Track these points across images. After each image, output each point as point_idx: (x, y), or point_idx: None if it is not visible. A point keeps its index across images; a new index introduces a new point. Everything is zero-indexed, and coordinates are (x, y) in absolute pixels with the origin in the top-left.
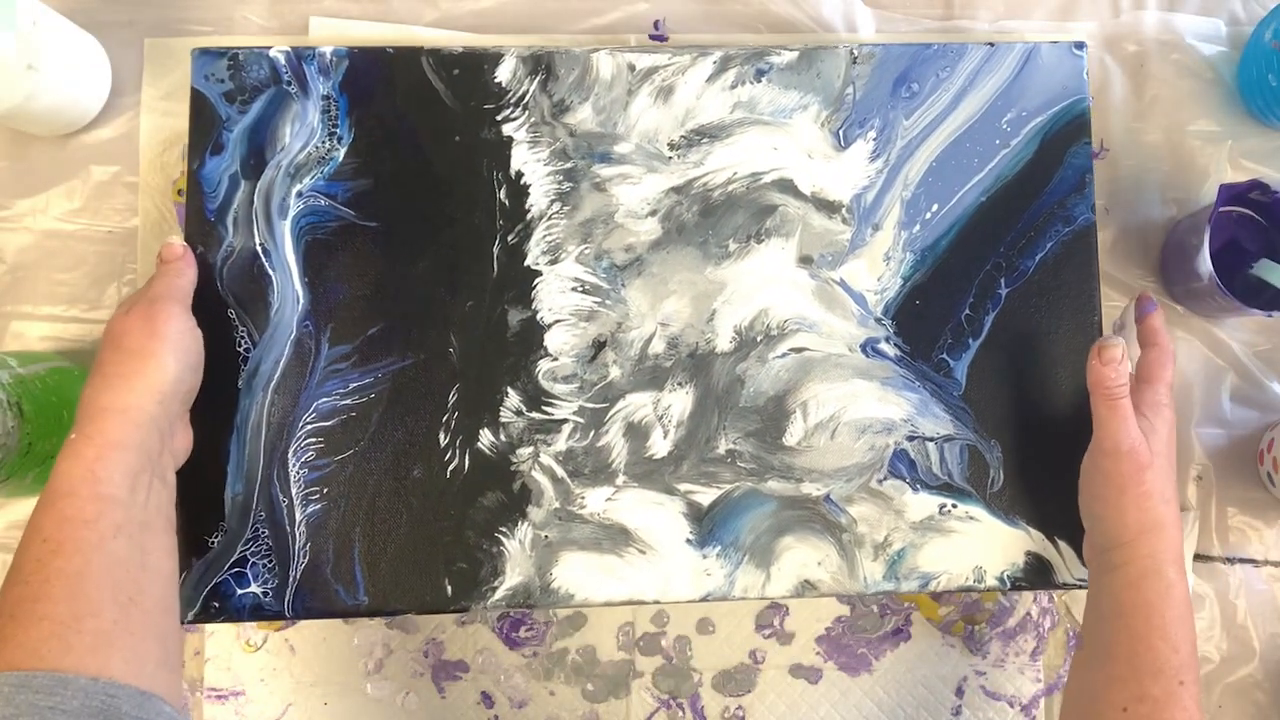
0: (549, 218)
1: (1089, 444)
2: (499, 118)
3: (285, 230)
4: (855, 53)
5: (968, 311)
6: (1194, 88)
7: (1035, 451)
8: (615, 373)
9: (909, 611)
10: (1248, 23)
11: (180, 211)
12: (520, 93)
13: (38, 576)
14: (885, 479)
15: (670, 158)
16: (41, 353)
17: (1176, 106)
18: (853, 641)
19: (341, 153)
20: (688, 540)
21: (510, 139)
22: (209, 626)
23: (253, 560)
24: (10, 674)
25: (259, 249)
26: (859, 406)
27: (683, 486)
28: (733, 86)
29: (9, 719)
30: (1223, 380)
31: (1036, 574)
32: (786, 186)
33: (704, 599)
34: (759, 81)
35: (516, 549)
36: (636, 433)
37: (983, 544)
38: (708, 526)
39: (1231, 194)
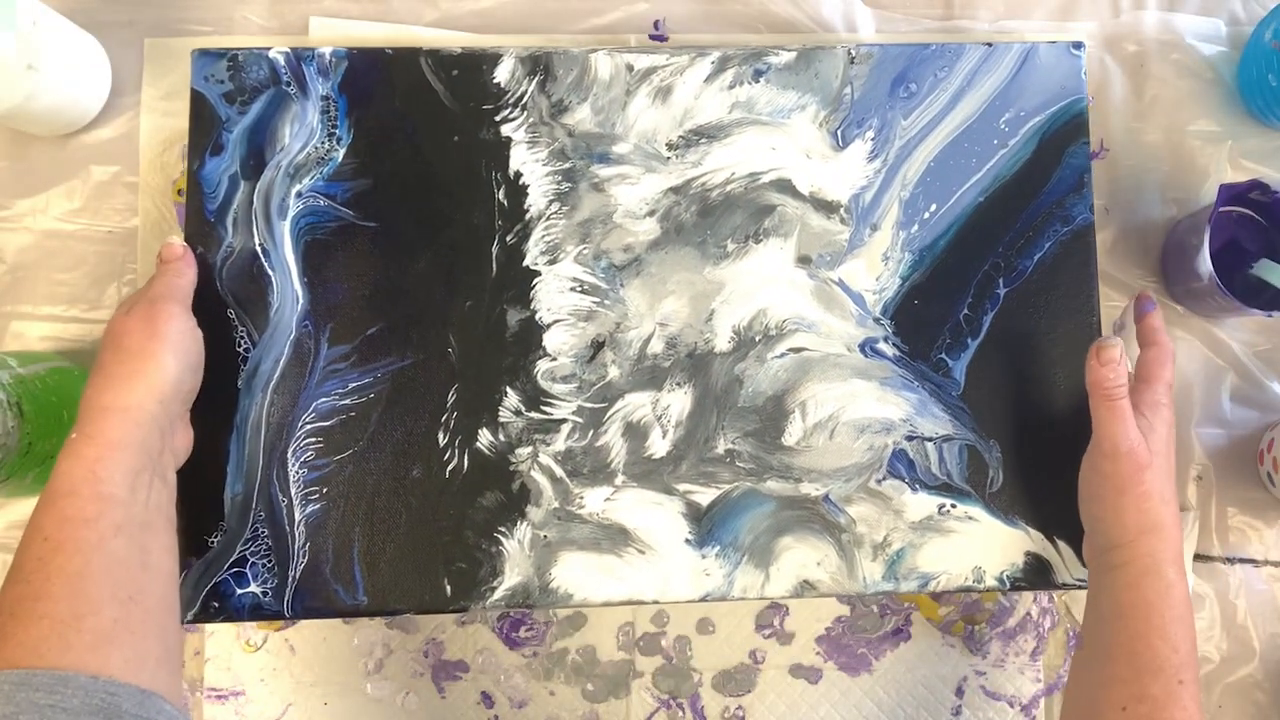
0: (547, 218)
1: (1088, 444)
2: (498, 118)
3: (285, 230)
4: (853, 53)
5: (966, 311)
6: (1194, 88)
7: (1034, 451)
8: (614, 373)
9: (909, 611)
10: (1248, 23)
11: (180, 211)
12: (519, 93)
13: (38, 575)
14: (884, 479)
15: (668, 158)
16: (41, 353)
17: (1176, 106)
18: (853, 641)
19: (341, 153)
20: (687, 540)
21: (509, 139)
22: (209, 626)
23: (252, 560)
24: (11, 672)
25: (258, 249)
26: (858, 406)
27: (681, 486)
28: (731, 87)
29: (9, 717)
30: (1223, 380)
31: (1036, 574)
32: (785, 186)
33: (703, 599)
34: (757, 82)
35: (515, 549)
36: (635, 433)
37: (982, 544)
38: (706, 526)
39: (1231, 194)
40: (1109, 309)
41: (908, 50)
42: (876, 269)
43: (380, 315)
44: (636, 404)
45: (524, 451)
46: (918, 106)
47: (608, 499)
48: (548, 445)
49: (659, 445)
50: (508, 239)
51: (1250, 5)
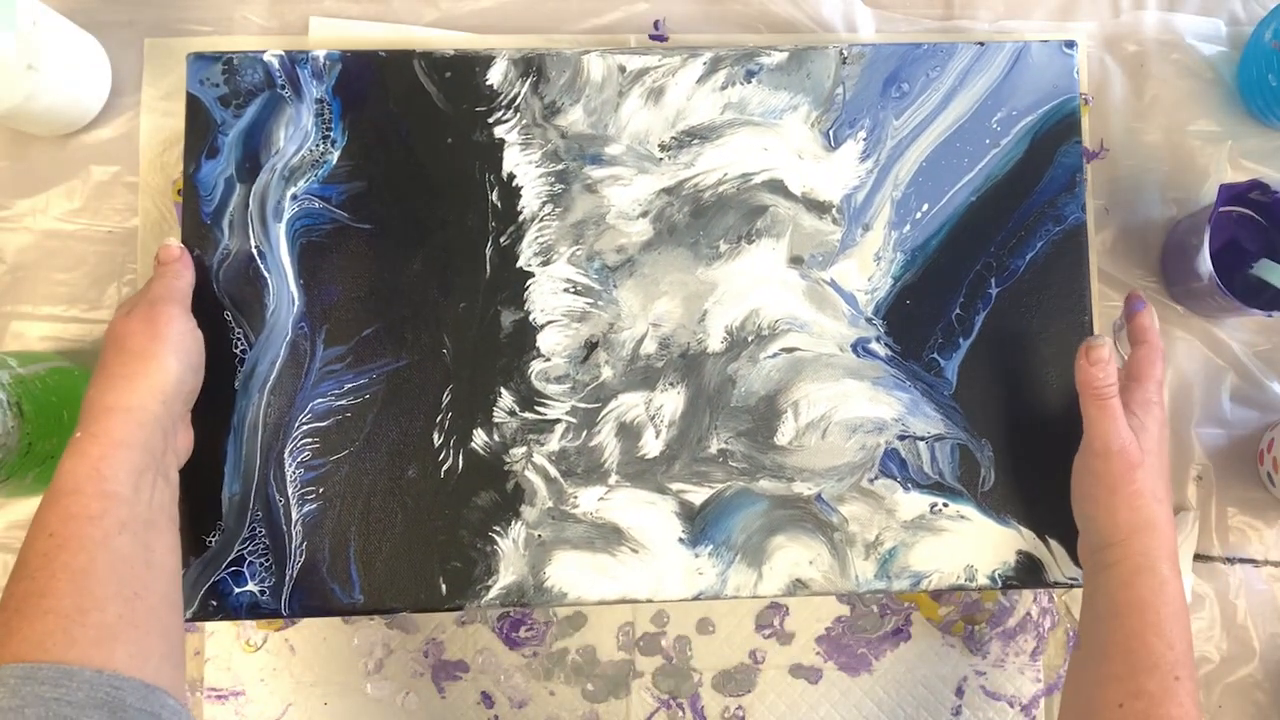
0: (541, 219)
1: (1080, 444)
2: (491, 120)
3: (280, 233)
4: (845, 53)
5: (958, 311)
6: (1194, 88)
7: (1026, 450)
8: (607, 373)
9: (909, 611)
10: (1248, 23)
11: (180, 212)
12: (512, 95)
13: (43, 572)
14: (876, 478)
15: (661, 159)
16: (41, 353)
17: (1176, 106)
18: (853, 641)
19: (335, 156)
20: (680, 539)
21: (502, 141)
22: (209, 626)
23: (250, 559)
24: (16, 665)
25: (254, 251)
26: (850, 406)
27: (675, 486)
28: (723, 87)
29: (14, 710)
30: (1223, 380)
31: (1028, 573)
32: (777, 187)
33: (696, 598)
34: (749, 82)
35: (510, 548)
36: (629, 433)
37: (974, 543)
38: (700, 526)
39: (1231, 194)
40: (1109, 309)
41: (900, 50)
42: (868, 269)
43: (375, 317)
44: (630, 404)
45: (518, 451)
46: (910, 106)
47: (601, 498)
48: (542, 445)
49: (652, 445)
50: (501, 240)
51: (1250, 5)
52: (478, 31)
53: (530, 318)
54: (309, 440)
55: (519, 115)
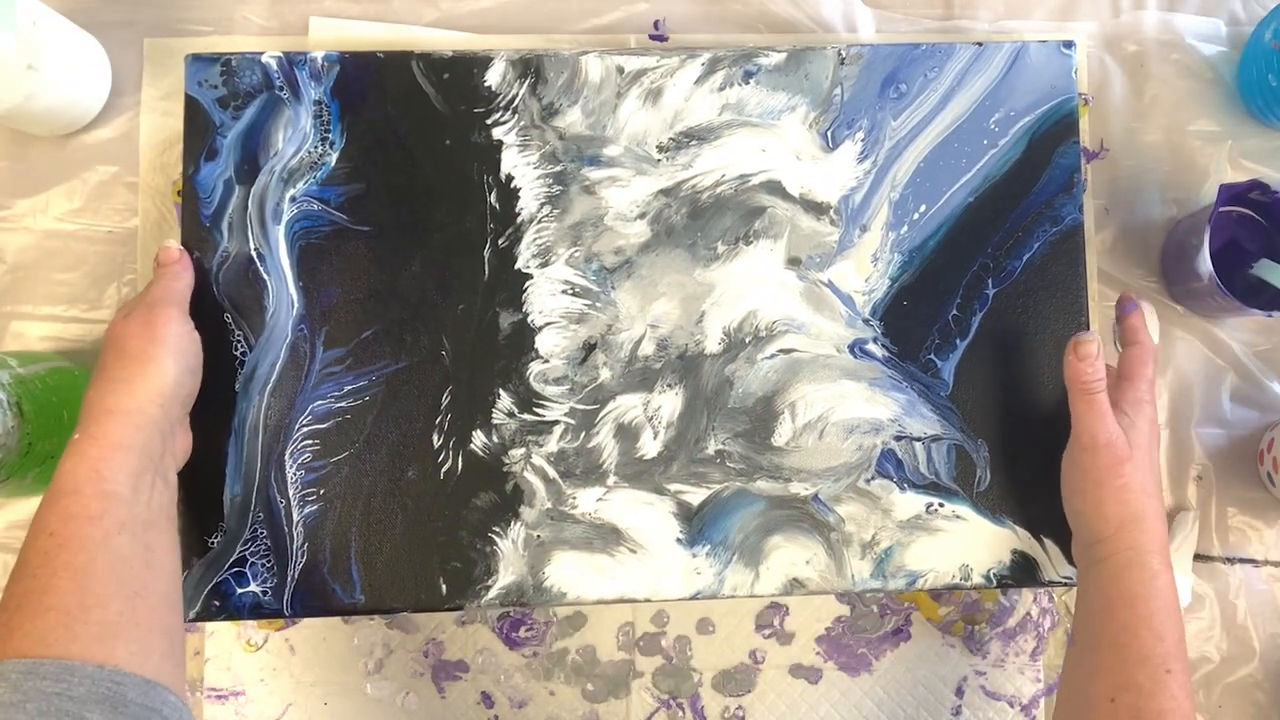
0: (539, 221)
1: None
2: (489, 121)
3: (279, 235)
4: (843, 53)
5: (955, 312)
6: (1194, 88)
7: (1022, 451)
8: (605, 374)
9: (909, 611)
10: (1248, 23)
11: (180, 212)
12: (510, 96)
13: (44, 570)
14: (873, 478)
15: (659, 160)
16: (41, 353)
17: (1176, 106)
18: (853, 641)
19: (334, 157)
20: (678, 539)
21: (500, 142)
22: (209, 626)
23: (252, 560)
24: (18, 661)
25: (254, 254)
26: (847, 407)
27: (673, 486)
28: (721, 88)
29: (16, 704)
30: (1223, 380)
31: (1023, 572)
32: (774, 188)
33: (694, 597)
34: (747, 83)
35: (509, 548)
36: (627, 434)
37: (969, 542)
38: (697, 526)
39: (1231, 194)
40: (1109, 309)
41: (898, 50)
42: (866, 270)
43: (374, 319)
44: (628, 405)
45: (517, 453)
46: (908, 107)
47: (600, 499)
48: (540, 446)
49: (650, 446)
50: (499, 242)
51: (1250, 5)
52: (478, 32)
53: (529, 319)
54: (309, 442)
55: (517, 117)
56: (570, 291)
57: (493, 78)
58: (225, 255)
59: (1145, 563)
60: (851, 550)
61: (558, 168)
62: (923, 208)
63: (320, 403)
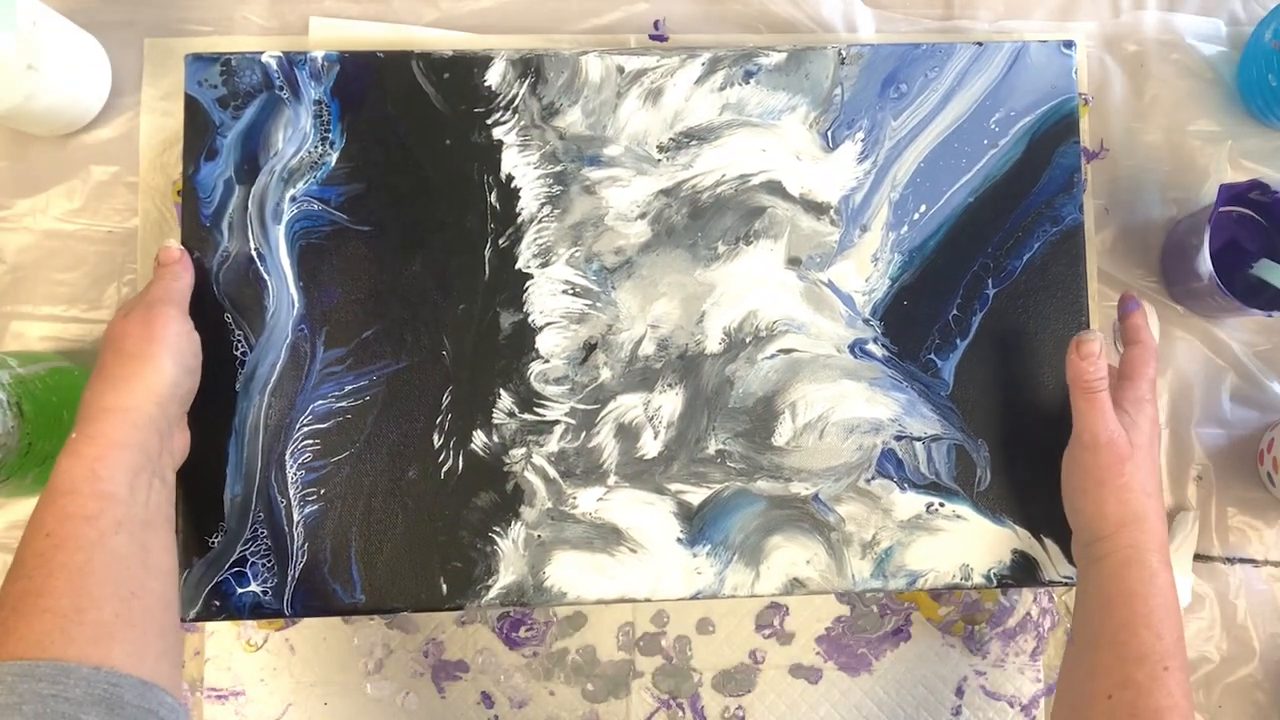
0: (539, 221)
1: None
2: (489, 121)
3: (279, 235)
4: (843, 53)
5: (955, 312)
6: (1194, 88)
7: (1022, 451)
8: (606, 374)
9: (909, 611)
10: (1248, 23)
11: (180, 212)
12: (510, 96)
13: (40, 571)
14: (873, 478)
15: (659, 160)
16: (41, 353)
17: (1176, 106)
18: (853, 641)
19: (334, 157)
20: (678, 539)
21: (500, 142)
22: (209, 626)
23: (252, 560)
24: (13, 663)
25: (254, 253)
26: (847, 407)
27: (673, 486)
28: (721, 88)
29: (12, 707)
30: (1223, 380)
31: (1023, 572)
32: (775, 188)
33: (694, 597)
34: (747, 83)
35: (510, 548)
36: (627, 433)
37: (970, 542)
38: (698, 526)
39: (1231, 194)
40: (1109, 309)
41: (898, 50)
42: (866, 270)
43: (375, 319)
44: (628, 405)
45: (518, 453)
46: (908, 107)
47: (600, 499)
48: (541, 446)
49: (651, 446)
50: (500, 242)
51: (1250, 5)
52: (478, 32)
53: (529, 319)
54: (310, 442)
55: (517, 116)
56: (571, 291)
57: (493, 77)
58: (225, 255)
59: (1144, 561)
60: (852, 550)
61: (558, 167)
62: (923, 208)
63: (321, 402)
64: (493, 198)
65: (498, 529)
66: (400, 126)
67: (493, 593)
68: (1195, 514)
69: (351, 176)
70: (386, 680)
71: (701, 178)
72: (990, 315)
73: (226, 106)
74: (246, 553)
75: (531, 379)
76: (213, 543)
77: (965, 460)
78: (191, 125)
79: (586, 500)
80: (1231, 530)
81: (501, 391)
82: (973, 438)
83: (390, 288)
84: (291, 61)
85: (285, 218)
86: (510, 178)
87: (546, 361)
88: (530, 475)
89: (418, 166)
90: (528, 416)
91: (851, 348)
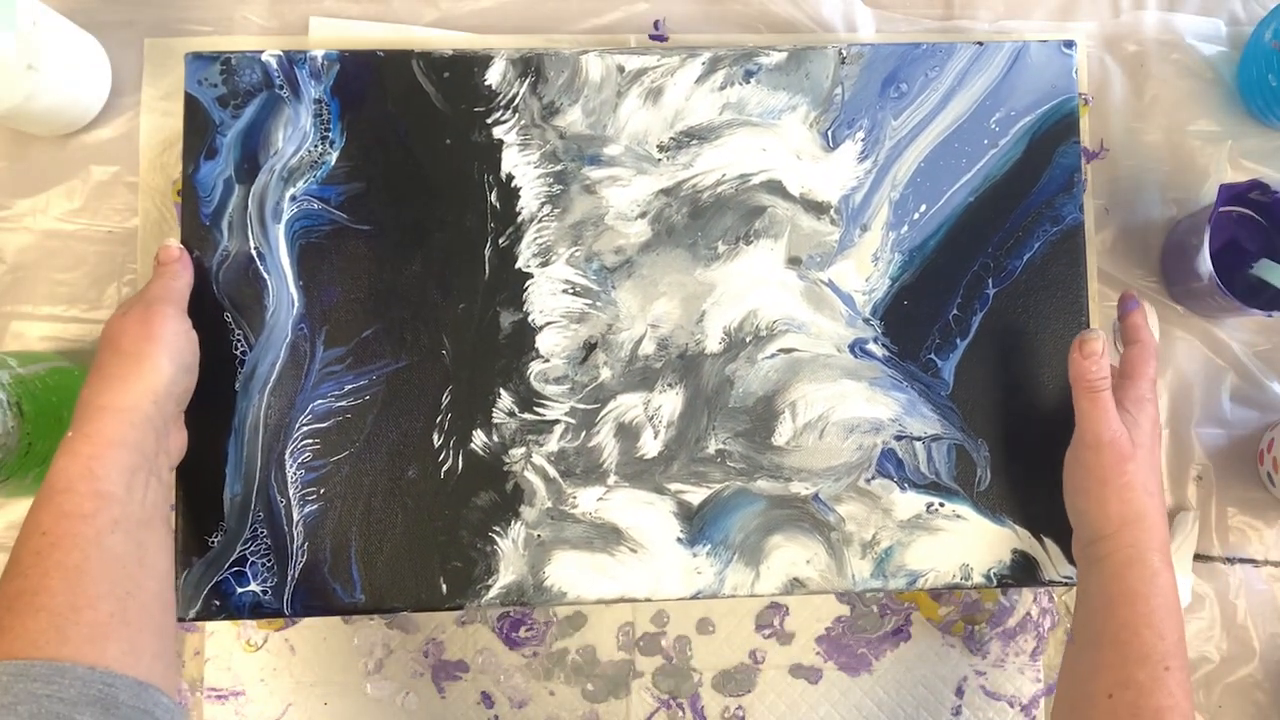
0: (539, 220)
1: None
2: (489, 120)
3: (279, 234)
4: (844, 53)
5: (955, 312)
6: (1194, 88)
7: (1022, 450)
8: (606, 374)
9: (909, 611)
10: (1248, 23)
11: (180, 212)
12: (510, 95)
13: (36, 570)
14: (873, 478)
15: (659, 159)
16: (41, 353)
17: (1176, 106)
18: (853, 641)
19: (334, 156)
20: (678, 539)
21: (500, 142)
22: (209, 626)
23: (252, 559)
24: (8, 663)
25: (254, 253)
26: (847, 406)
27: (673, 486)
28: (721, 88)
29: (7, 707)
30: (1223, 380)
31: (1023, 571)
32: (775, 188)
33: (694, 597)
34: (748, 82)
35: (510, 548)
36: (627, 433)
37: (970, 542)
38: (698, 525)
39: (1231, 194)
40: (1109, 309)
41: (898, 50)
42: (866, 270)
43: (375, 318)
44: (628, 405)
45: (517, 452)
46: (908, 106)
47: (600, 499)
48: (541, 446)
49: (651, 445)
50: (500, 241)
51: (1250, 5)
52: (478, 32)
53: (529, 319)
54: (309, 441)
55: (517, 116)
56: (571, 291)
57: (493, 77)
58: (225, 254)
59: (1146, 560)
60: (852, 550)
61: (558, 167)
62: (923, 207)
63: (320, 402)
64: (493, 197)
65: (497, 529)
66: (400, 125)
67: (492, 592)
68: (1195, 514)
69: (351, 176)
70: (386, 680)
71: (702, 177)
72: (990, 315)
73: (226, 105)
74: (246, 552)
75: (531, 378)
76: (212, 542)
77: (965, 460)
78: (191, 124)
79: (586, 500)
80: (1231, 530)
81: (501, 391)
82: (973, 437)
83: (390, 287)
84: (291, 60)
85: (285, 217)
86: (510, 177)
87: (546, 361)
88: (530, 475)
89: (418, 166)
90: (528, 416)
91: (852, 347)
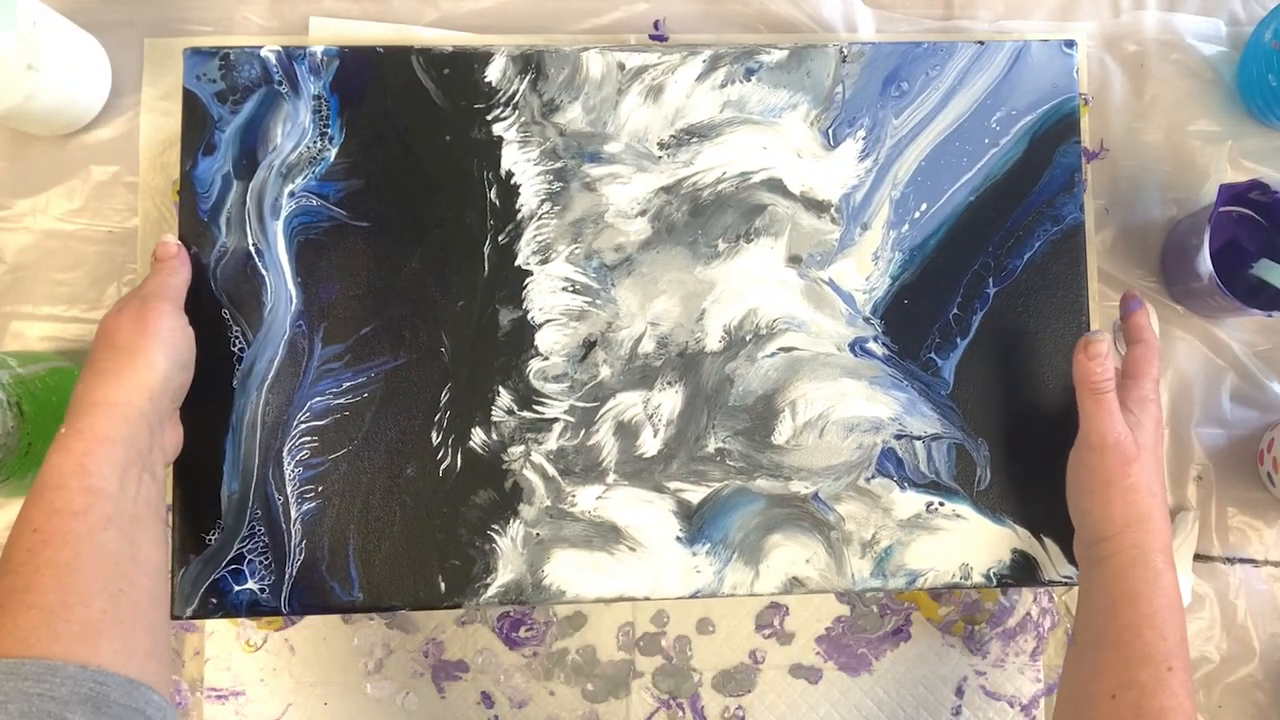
0: (539, 217)
1: (1075, 439)
2: (489, 117)
3: (278, 230)
4: (845, 51)
5: (956, 311)
6: (1194, 88)
7: (1022, 450)
8: (605, 372)
9: (909, 611)
10: (1248, 23)
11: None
12: (510, 92)
13: (27, 567)
14: (873, 477)
15: (660, 157)
16: (41, 353)
17: (1176, 106)
18: (853, 641)
19: (333, 153)
20: (677, 538)
21: (500, 138)
22: (209, 627)
23: (249, 557)
24: None
25: (252, 249)
26: (847, 405)
27: (672, 485)
28: (722, 85)
29: None
30: (1223, 380)
31: (1023, 571)
32: (775, 186)
33: (693, 596)
34: (748, 80)
35: (508, 546)
36: (627, 431)
37: (969, 541)
38: (697, 524)
39: (1231, 194)
40: (1108, 309)
41: (899, 49)
42: (867, 268)
43: (373, 315)
44: (628, 403)
45: (516, 450)
46: (909, 105)
47: (599, 497)
48: (540, 444)
49: (650, 444)
50: (500, 238)
51: (1250, 5)
52: (477, 32)
53: (528, 316)
54: (307, 439)
55: (517, 112)
56: (570, 288)
57: (493, 73)
58: (223, 250)
59: (1149, 561)
60: (851, 549)
61: (558, 164)
62: (924, 206)
63: (319, 399)
64: (492, 194)
65: (496, 527)
66: (400, 122)
67: (491, 591)
68: (1195, 514)
69: (350, 172)
70: (386, 680)
71: (702, 175)
72: (991, 314)
73: (225, 101)
74: (244, 550)
75: (531, 376)
76: (210, 540)
77: (965, 459)
78: (190, 120)
79: (585, 498)
80: (1231, 530)
81: (500, 389)
82: (973, 437)
83: (389, 284)
84: (291, 56)
85: (284, 213)
86: (510, 174)
87: (546, 359)
88: (529, 473)
89: (417, 162)
90: (527, 414)
91: (852, 346)
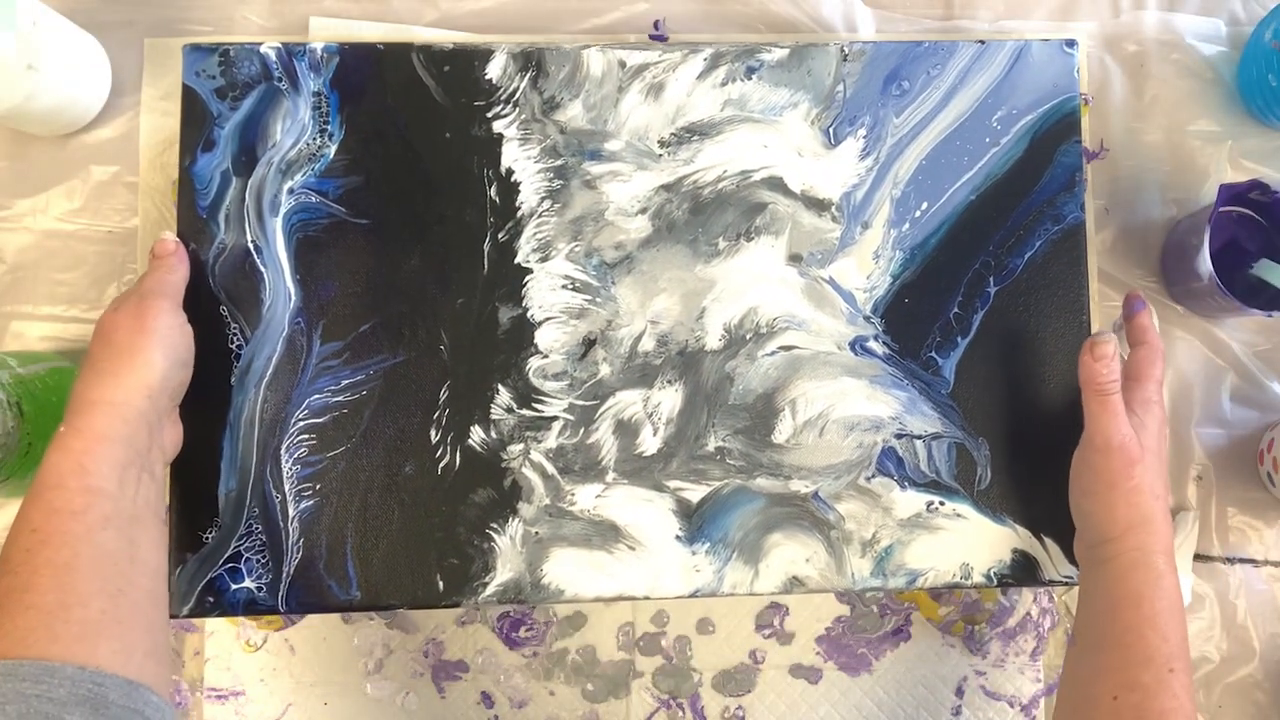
0: (539, 215)
1: (1078, 441)
2: (489, 115)
3: (277, 227)
4: (846, 50)
5: (956, 310)
6: (1194, 88)
7: (1023, 449)
8: (605, 370)
9: (909, 611)
10: (1248, 23)
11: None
12: (511, 89)
13: (26, 567)
14: (873, 476)
15: (660, 155)
16: (41, 353)
17: (1176, 106)
18: (853, 641)
19: (332, 149)
20: (677, 537)
21: (501, 136)
22: (209, 627)
23: (247, 555)
24: None
25: (250, 246)
26: (847, 404)
27: (672, 483)
28: (723, 84)
29: None
30: (1223, 380)
31: (1023, 571)
32: (776, 184)
33: (693, 595)
34: (749, 79)
35: (507, 545)
36: (626, 430)
37: (970, 541)
38: (697, 523)
39: (1231, 194)
40: (1109, 309)
41: (900, 48)
42: (867, 267)
43: (372, 312)
44: (627, 401)
45: (516, 448)
46: (910, 104)
47: (599, 496)
48: (539, 442)
49: (650, 442)
50: (499, 236)
51: (1250, 5)
52: (477, 32)
53: (528, 314)
54: (306, 436)
55: (518, 110)
56: (570, 286)
57: (494, 71)
58: (222, 247)
59: (1151, 563)
60: (851, 548)
61: (558, 162)
62: (924, 205)
63: (317, 397)
64: (492, 191)
65: (495, 525)
66: (400, 119)
67: (490, 590)
68: (1195, 514)
69: (350, 169)
70: (386, 680)
71: (703, 173)
72: (991, 313)
73: (224, 97)
74: (241, 548)
75: (530, 374)
76: (206, 538)
77: (966, 459)
78: (189, 116)
79: (585, 497)
80: (1231, 530)
81: (500, 387)
82: (973, 436)
83: (388, 281)
84: (290, 53)
85: (283, 210)
86: (510, 171)
87: (545, 357)
88: (528, 471)
89: (417, 159)
90: (526, 412)
91: (852, 345)
